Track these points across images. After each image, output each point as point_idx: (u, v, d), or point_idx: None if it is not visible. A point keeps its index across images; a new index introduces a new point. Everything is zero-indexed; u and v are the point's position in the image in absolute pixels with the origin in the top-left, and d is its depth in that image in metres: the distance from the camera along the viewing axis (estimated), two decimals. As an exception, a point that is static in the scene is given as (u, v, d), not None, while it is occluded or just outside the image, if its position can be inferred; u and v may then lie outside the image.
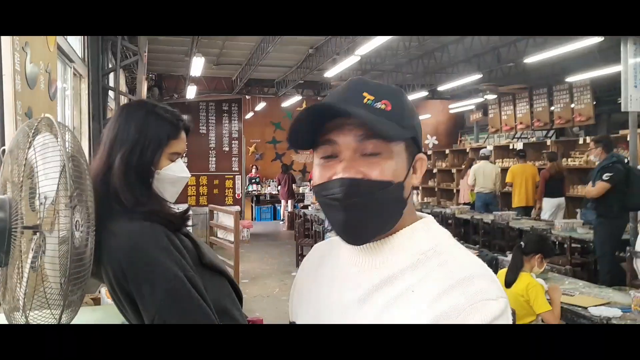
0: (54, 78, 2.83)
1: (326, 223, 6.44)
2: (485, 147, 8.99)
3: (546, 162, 7.81)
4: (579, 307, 2.70)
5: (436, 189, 12.10)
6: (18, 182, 1.11)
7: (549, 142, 9.26)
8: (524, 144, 9.60)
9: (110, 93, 5.60)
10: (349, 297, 0.73)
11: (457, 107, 13.36)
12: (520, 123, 10.66)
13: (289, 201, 11.90)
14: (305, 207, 9.89)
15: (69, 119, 4.44)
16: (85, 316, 1.54)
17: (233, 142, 11.70)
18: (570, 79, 8.88)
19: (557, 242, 5.27)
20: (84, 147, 4.39)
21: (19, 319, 1.10)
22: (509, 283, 2.83)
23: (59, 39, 3.38)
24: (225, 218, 5.86)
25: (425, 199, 11.91)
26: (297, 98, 11.79)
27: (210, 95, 11.42)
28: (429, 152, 12.94)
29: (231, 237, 5.42)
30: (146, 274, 1.06)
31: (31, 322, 1.09)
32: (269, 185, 13.26)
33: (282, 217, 12.27)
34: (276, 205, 12.91)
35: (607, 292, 3.04)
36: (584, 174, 7.33)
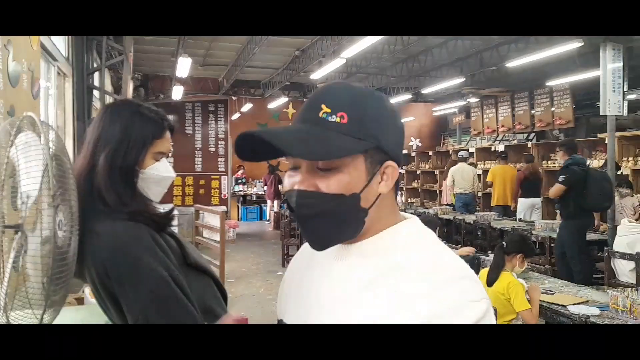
0: (37, 77, 2.80)
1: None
2: (463, 150, 9.19)
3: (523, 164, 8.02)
4: (558, 305, 2.76)
5: (419, 190, 12.21)
6: None
7: (529, 144, 9.42)
8: (505, 146, 9.76)
9: (95, 93, 5.54)
10: (336, 295, 0.74)
11: (440, 109, 13.50)
12: (502, 126, 10.81)
13: (275, 201, 11.88)
14: (291, 207, 9.87)
15: (53, 119, 4.38)
16: (69, 316, 1.53)
17: (219, 142, 11.64)
18: (550, 83, 9.04)
19: (537, 242, 5.37)
20: (68, 147, 4.33)
21: (0, 318, 1.10)
22: (490, 282, 2.88)
23: (43, 38, 3.34)
24: (211, 218, 5.84)
25: (409, 199, 12.01)
26: (283, 99, 11.78)
27: (196, 96, 11.35)
28: (413, 154, 13.05)
29: (217, 237, 5.40)
30: (130, 274, 1.06)
31: (12, 322, 1.09)
32: (255, 186, 13.22)
33: (268, 218, 12.25)
34: (262, 205, 12.87)
35: (585, 291, 3.11)
36: (562, 176, 7.48)
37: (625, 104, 5.06)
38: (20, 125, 1.13)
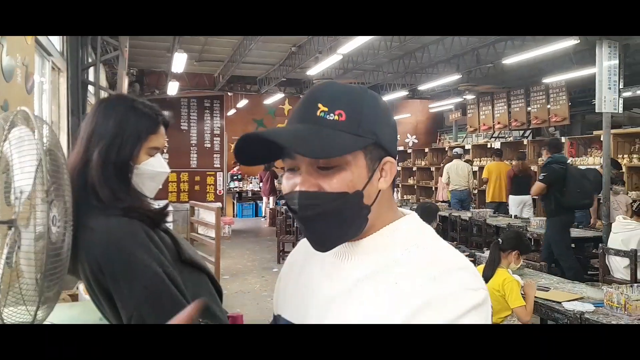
0: (31, 71, 2.78)
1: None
2: (458, 147, 9.26)
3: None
4: (554, 301, 2.77)
5: (415, 187, 12.24)
6: (-7, 176, 1.09)
7: (525, 141, 9.45)
8: (501, 143, 9.79)
9: (90, 88, 5.50)
10: (334, 290, 0.74)
11: (436, 106, 13.52)
12: (498, 123, 10.84)
13: (271, 198, 11.87)
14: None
15: (47, 114, 4.35)
16: (63, 312, 1.52)
17: (215, 138, 11.61)
18: (546, 80, 9.07)
19: (532, 239, 5.39)
20: (63, 142, 4.30)
21: (-6, 315, 1.08)
22: (486, 278, 2.89)
23: (36, 32, 3.31)
24: (206, 214, 5.82)
25: (405, 196, 12.03)
26: (279, 95, 11.76)
27: (192, 92, 11.31)
28: (409, 151, 13.07)
29: (212, 234, 5.39)
30: (124, 270, 1.05)
31: (5, 318, 1.08)
32: (251, 182, 13.21)
33: (263, 214, 12.24)
34: (258, 202, 12.87)
35: (580, 288, 3.12)
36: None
37: (621, 101, 5.07)
38: (14, 120, 1.12)
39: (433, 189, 11.19)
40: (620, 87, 5.10)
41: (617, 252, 4.18)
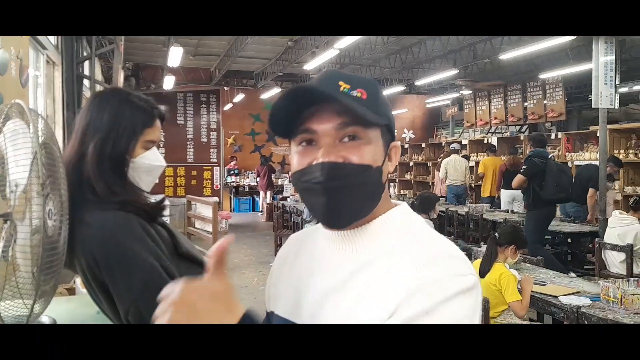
0: (25, 65, 2.75)
1: (305, 214, 6.45)
2: (455, 143, 9.29)
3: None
4: (550, 296, 2.78)
5: (412, 182, 12.25)
6: (-13, 169, 1.08)
7: (522, 137, 9.47)
8: (498, 138, 9.81)
9: (85, 82, 5.46)
10: (328, 283, 0.74)
11: (433, 101, 13.51)
12: (495, 118, 10.85)
13: (268, 192, 11.87)
14: (284, 198, 9.89)
15: (42, 108, 4.32)
16: (60, 306, 1.52)
17: (211, 133, 11.58)
18: (543, 75, 9.07)
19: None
20: (58, 137, 4.27)
21: (-10, 309, 1.08)
22: (483, 273, 2.90)
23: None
24: (203, 209, 5.82)
25: (402, 191, 12.04)
26: (276, 90, 11.72)
27: (188, 86, 11.25)
28: (406, 146, 13.08)
29: (209, 228, 5.39)
30: (121, 264, 1.04)
31: (2, 312, 1.07)
32: (248, 177, 13.19)
33: (260, 209, 12.24)
34: (255, 196, 12.86)
35: (577, 282, 3.14)
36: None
37: (617, 97, 5.08)
38: (9, 113, 1.11)
39: (430, 184, 11.20)
40: (617, 82, 5.10)
41: (614, 247, 4.20)
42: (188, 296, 0.63)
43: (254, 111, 13.61)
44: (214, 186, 11.50)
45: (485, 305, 2.53)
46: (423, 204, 4.07)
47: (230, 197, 12.71)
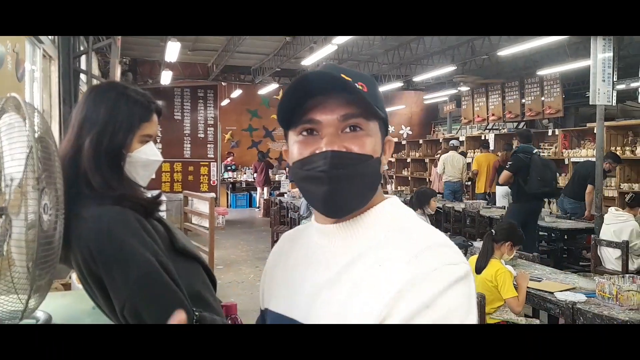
0: (22, 59, 2.74)
1: (302, 210, 6.45)
2: (454, 139, 9.33)
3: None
4: (546, 292, 2.79)
5: (409, 178, 12.26)
6: (-18, 163, 1.07)
7: (519, 133, 9.48)
8: (495, 135, 9.82)
9: (82, 77, 5.43)
10: (322, 277, 0.74)
11: (431, 98, 13.51)
12: (492, 115, 10.86)
13: (265, 188, 11.86)
14: (281, 194, 9.89)
15: (38, 102, 4.30)
16: (56, 301, 1.51)
17: (208, 128, 11.56)
18: (541, 72, 9.08)
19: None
20: (54, 131, 4.25)
21: (-15, 303, 1.07)
22: (479, 269, 2.91)
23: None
24: (200, 204, 5.81)
25: (399, 187, 12.05)
26: (273, 86, 11.70)
27: (185, 82, 11.23)
28: (403, 142, 13.08)
29: (206, 224, 5.38)
30: (117, 259, 1.04)
31: (-3, 307, 1.07)
32: (245, 173, 13.18)
33: (257, 205, 12.23)
34: (252, 192, 12.85)
35: (572, 278, 3.15)
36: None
37: (615, 94, 5.09)
38: (4, 107, 1.10)
39: (427, 180, 11.22)
40: (614, 79, 5.11)
41: (609, 244, 4.22)
42: None
43: (252, 107, 13.59)
44: (211, 182, 11.50)
45: (482, 302, 2.54)
46: (419, 199, 4.12)
47: (227, 193, 12.70)
